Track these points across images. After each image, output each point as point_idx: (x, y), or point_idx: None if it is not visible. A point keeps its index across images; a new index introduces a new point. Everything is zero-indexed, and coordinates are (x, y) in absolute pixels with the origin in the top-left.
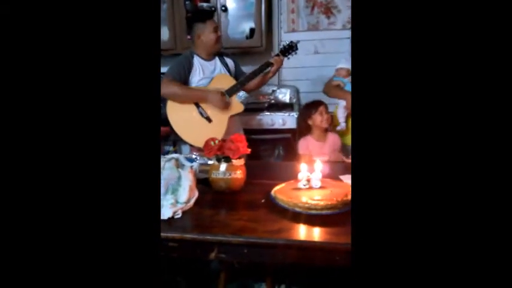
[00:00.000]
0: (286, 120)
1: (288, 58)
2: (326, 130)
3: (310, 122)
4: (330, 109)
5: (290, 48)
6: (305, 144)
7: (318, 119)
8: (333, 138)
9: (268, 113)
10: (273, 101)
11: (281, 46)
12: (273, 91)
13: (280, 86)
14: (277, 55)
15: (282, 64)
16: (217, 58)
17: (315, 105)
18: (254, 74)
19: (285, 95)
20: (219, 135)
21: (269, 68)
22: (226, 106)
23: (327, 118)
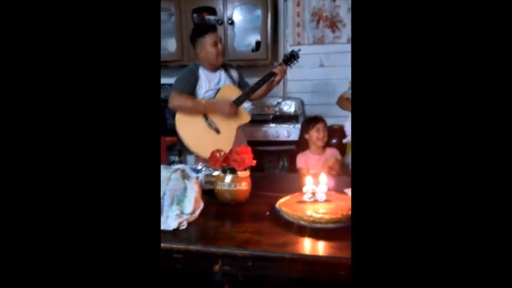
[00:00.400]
0: (291, 132)
1: (291, 67)
2: (323, 146)
3: (307, 137)
4: (338, 121)
5: (292, 57)
6: (303, 159)
7: (314, 136)
8: (331, 153)
9: (273, 125)
10: (278, 113)
11: (284, 56)
12: (278, 103)
13: (285, 98)
14: (280, 64)
15: (285, 73)
16: (221, 70)
17: (313, 121)
18: (259, 85)
19: (290, 107)
20: (228, 146)
21: (273, 78)
22: (236, 113)
23: (323, 136)
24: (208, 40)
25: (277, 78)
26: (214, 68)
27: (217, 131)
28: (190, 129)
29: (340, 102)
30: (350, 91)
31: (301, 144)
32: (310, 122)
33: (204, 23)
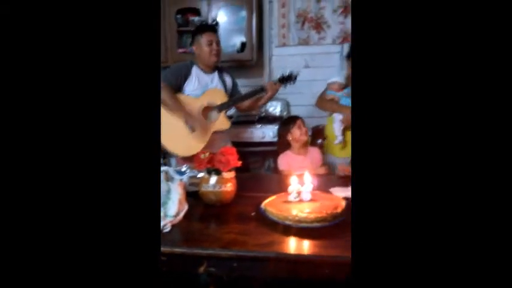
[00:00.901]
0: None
1: (285, 87)
2: (306, 144)
3: (289, 137)
4: (322, 122)
5: (289, 79)
6: (285, 160)
7: (297, 133)
8: (313, 152)
9: (258, 126)
10: (263, 114)
11: (280, 75)
12: (263, 104)
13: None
14: (275, 83)
15: (276, 92)
16: (216, 73)
17: (292, 119)
18: (247, 96)
19: (275, 108)
20: (201, 146)
21: (263, 93)
22: (205, 131)
23: (305, 131)
24: (204, 38)
25: (267, 95)
26: (208, 69)
27: (192, 130)
28: (166, 123)
29: (322, 103)
30: (331, 92)
31: (282, 146)
32: (288, 121)
33: (200, 23)
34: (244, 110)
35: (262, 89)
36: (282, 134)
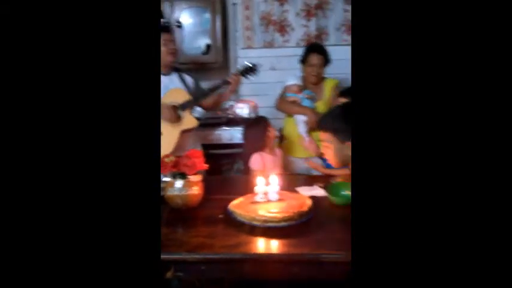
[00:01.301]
0: None
1: (247, 78)
2: (275, 144)
3: (266, 138)
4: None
5: (250, 70)
6: (260, 160)
7: (273, 134)
8: (280, 152)
9: (227, 128)
10: (231, 116)
11: (241, 66)
12: (231, 106)
13: (238, 101)
14: (235, 74)
15: (239, 83)
16: (175, 74)
17: (264, 120)
18: (210, 91)
19: (243, 110)
20: (169, 148)
21: (226, 87)
22: (175, 120)
23: (274, 133)
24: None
25: (231, 88)
26: (166, 70)
27: None
28: None
29: (283, 105)
30: (291, 94)
31: (252, 147)
32: (262, 121)
33: (167, 24)
34: (209, 107)
35: (224, 82)
36: (260, 133)
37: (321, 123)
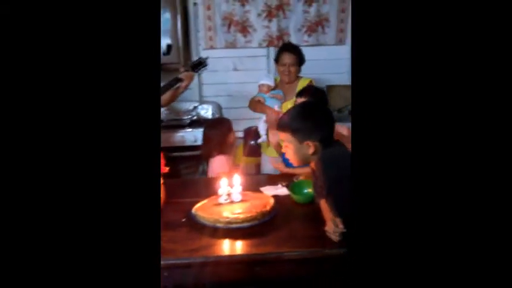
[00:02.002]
0: None
1: (199, 74)
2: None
3: (230, 139)
4: (253, 123)
5: (200, 64)
6: (220, 163)
7: (231, 138)
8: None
9: (190, 130)
10: (195, 117)
11: (190, 62)
12: (195, 107)
13: (201, 102)
14: (187, 70)
15: (192, 79)
16: None
17: (224, 123)
18: (163, 89)
19: (207, 111)
20: None
21: (179, 84)
22: None
23: (234, 135)
24: None
25: (183, 84)
26: None
27: None
28: None
29: (251, 105)
30: (260, 94)
31: (215, 148)
32: (224, 123)
33: None
34: (163, 104)
35: (177, 80)
36: (222, 135)
37: (279, 123)
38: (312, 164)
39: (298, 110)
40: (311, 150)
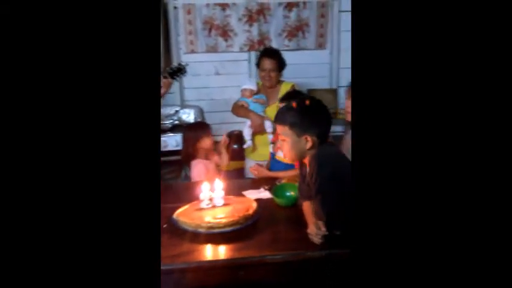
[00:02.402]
0: None
1: (177, 80)
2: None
3: (203, 144)
4: (235, 127)
5: (178, 71)
6: (201, 168)
7: (208, 143)
8: (216, 158)
9: (172, 134)
10: (176, 122)
11: (169, 69)
12: (176, 111)
13: (183, 106)
14: (165, 77)
15: (170, 87)
16: None
17: (202, 127)
18: None
19: (189, 115)
20: None
21: None
22: None
23: (211, 140)
24: None
25: (161, 92)
26: None
27: None
28: None
29: (234, 109)
30: (243, 99)
31: (193, 154)
32: (199, 128)
33: None
34: None
35: None
36: (194, 140)
37: (278, 116)
38: (297, 167)
39: (299, 104)
40: (308, 145)
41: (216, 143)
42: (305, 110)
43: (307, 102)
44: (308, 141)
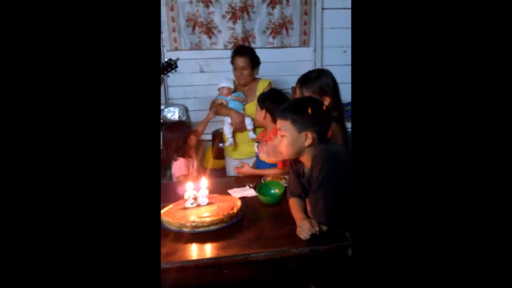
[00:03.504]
0: None
1: (168, 76)
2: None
3: (186, 143)
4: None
5: (169, 66)
6: (181, 166)
7: (194, 140)
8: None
9: None
10: (161, 121)
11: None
12: (161, 110)
13: (168, 104)
14: None
15: (161, 83)
16: None
17: (184, 125)
18: None
19: (173, 114)
20: None
21: None
22: None
23: (194, 138)
24: None
25: None
26: None
27: None
28: None
29: (215, 108)
30: (221, 97)
31: (174, 151)
32: (183, 126)
33: None
34: None
35: None
36: (181, 139)
37: (280, 110)
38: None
39: (299, 100)
40: (308, 142)
41: (199, 141)
42: (308, 107)
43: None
44: (308, 138)
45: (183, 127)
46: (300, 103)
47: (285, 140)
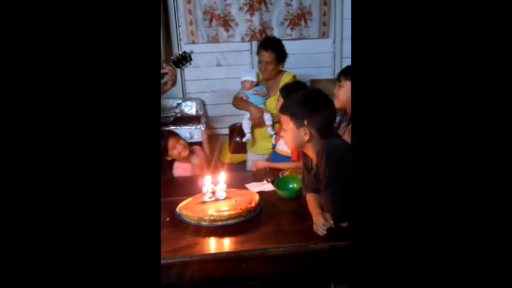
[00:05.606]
0: (194, 133)
1: (182, 69)
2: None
3: (169, 158)
4: (237, 120)
5: (183, 59)
6: (181, 168)
7: (175, 154)
8: (198, 152)
9: (174, 127)
10: (179, 115)
11: (173, 57)
12: (178, 104)
13: (185, 99)
14: (170, 65)
15: (175, 74)
16: None
17: (164, 135)
18: None
19: (191, 108)
20: None
21: (166, 79)
22: None
23: (183, 146)
24: None
25: (170, 79)
26: None
27: None
28: None
29: (234, 102)
30: (243, 91)
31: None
32: (165, 136)
33: None
34: None
35: (162, 75)
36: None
37: (282, 105)
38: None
39: (301, 95)
40: (306, 138)
41: (190, 144)
42: (306, 103)
43: (309, 91)
44: (306, 134)
45: (165, 137)
46: (300, 98)
47: (288, 134)
